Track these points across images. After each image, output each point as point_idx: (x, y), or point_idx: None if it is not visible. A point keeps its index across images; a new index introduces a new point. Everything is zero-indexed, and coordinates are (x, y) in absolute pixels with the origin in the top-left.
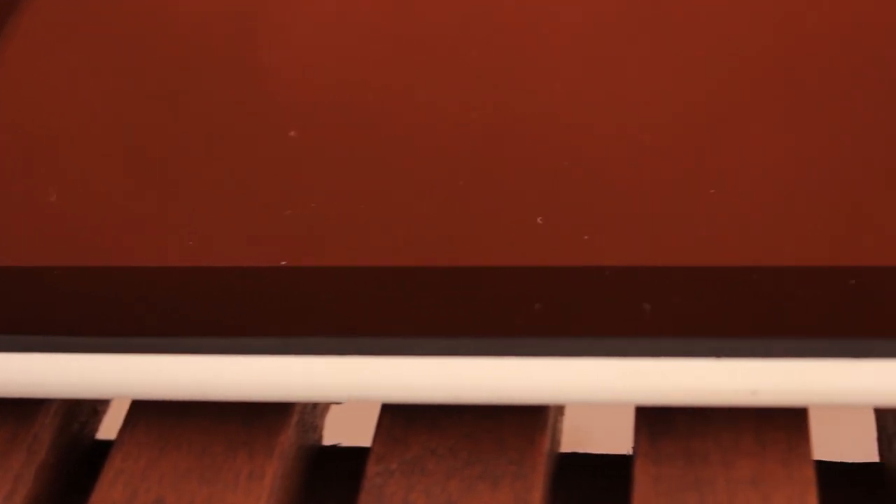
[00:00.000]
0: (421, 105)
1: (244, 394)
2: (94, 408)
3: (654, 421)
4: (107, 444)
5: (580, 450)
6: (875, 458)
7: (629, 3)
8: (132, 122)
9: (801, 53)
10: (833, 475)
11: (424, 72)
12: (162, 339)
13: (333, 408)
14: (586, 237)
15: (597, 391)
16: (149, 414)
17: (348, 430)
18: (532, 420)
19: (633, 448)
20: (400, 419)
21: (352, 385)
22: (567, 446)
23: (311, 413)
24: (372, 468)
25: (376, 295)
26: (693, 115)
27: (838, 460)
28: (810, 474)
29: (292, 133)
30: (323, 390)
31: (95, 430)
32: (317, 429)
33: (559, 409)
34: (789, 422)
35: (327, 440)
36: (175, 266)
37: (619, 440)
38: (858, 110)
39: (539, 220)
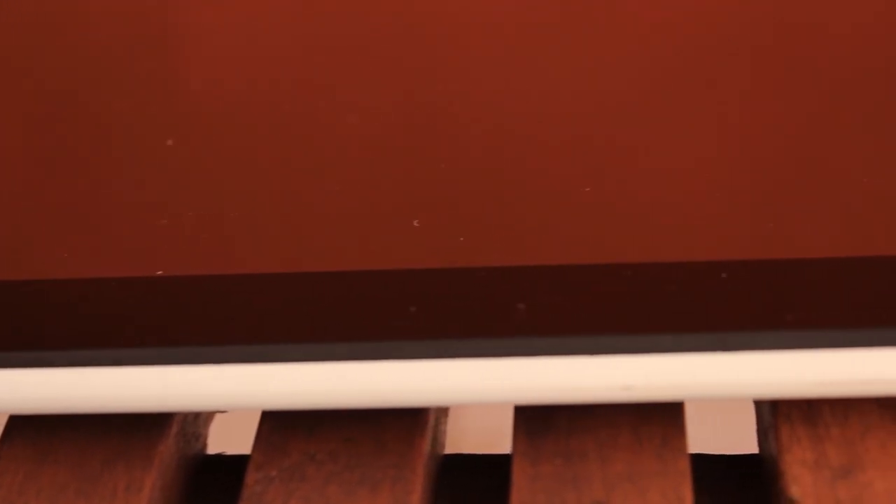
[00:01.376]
0: (297, 111)
1: (121, 405)
2: None
3: (532, 420)
4: None
5: (493, 451)
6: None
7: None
8: (9, 128)
9: (693, 55)
10: (711, 467)
11: (301, 79)
12: (37, 352)
13: (221, 415)
14: (462, 239)
15: (473, 392)
16: (26, 428)
17: (238, 438)
18: (412, 422)
19: (512, 447)
20: (279, 426)
21: (228, 393)
22: (480, 448)
23: (193, 422)
24: (252, 476)
25: (253, 302)
26: (566, 114)
27: (719, 453)
28: (685, 467)
29: (170, 142)
30: (199, 399)
31: None
32: (200, 438)
33: (442, 411)
34: (666, 416)
35: (214, 448)
36: (48, 279)
37: None
38: (738, 108)
39: (415, 222)
